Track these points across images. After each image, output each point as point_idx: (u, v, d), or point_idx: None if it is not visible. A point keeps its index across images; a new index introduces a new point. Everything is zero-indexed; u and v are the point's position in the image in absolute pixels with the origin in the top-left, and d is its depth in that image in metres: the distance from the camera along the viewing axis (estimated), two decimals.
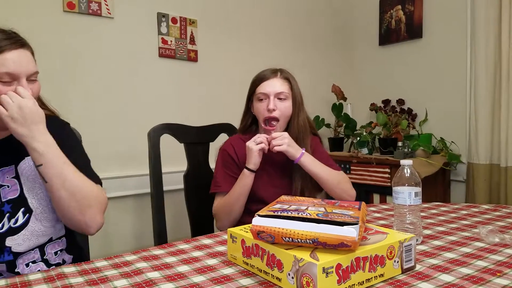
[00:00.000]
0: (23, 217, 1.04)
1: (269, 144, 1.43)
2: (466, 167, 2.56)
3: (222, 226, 1.48)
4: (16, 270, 1.04)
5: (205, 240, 1.11)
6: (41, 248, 1.08)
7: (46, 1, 1.93)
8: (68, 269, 0.89)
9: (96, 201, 1.05)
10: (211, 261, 0.93)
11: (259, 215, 0.81)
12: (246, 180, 1.43)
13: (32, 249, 1.06)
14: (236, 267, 0.89)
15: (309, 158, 1.45)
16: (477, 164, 2.45)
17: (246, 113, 1.59)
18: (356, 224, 0.75)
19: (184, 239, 1.12)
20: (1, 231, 1.01)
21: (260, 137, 1.42)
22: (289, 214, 0.80)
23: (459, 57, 2.62)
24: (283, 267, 0.77)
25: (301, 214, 0.80)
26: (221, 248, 1.03)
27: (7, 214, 1.03)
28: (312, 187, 1.51)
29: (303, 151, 1.44)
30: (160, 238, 1.58)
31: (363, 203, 0.96)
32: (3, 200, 1.03)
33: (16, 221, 1.03)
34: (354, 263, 0.75)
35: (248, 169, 1.43)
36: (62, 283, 0.81)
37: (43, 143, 0.98)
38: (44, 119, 1.01)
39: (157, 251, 1.01)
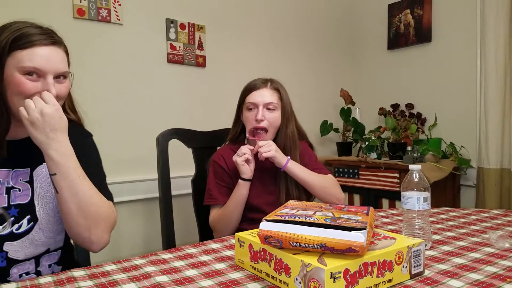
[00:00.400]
0: (27, 225, 1.03)
1: (256, 154, 1.45)
2: (476, 171, 2.53)
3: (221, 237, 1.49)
4: (8, 279, 1.01)
5: (213, 245, 1.11)
6: (37, 259, 1.06)
7: (57, 8, 1.96)
8: (78, 272, 0.90)
9: (105, 220, 1.03)
10: (219, 266, 0.94)
11: (267, 220, 0.81)
12: (241, 190, 1.46)
13: (28, 260, 1.04)
14: (243, 271, 0.89)
15: (295, 164, 1.48)
16: (487, 169, 2.43)
17: (236, 122, 1.61)
18: (364, 229, 0.74)
19: (192, 244, 1.13)
20: (1, 233, 0.99)
21: (243, 149, 1.45)
22: (297, 219, 0.80)
23: (468, 61, 2.61)
24: (290, 272, 0.77)
25: (309, 219, 0.80)
26: (229, 253, 1.04)
27: (12, 218, 1.01)
28: (300, 193, 1.53)
29: (289, 158, 1.47)
30: (169, 242, 1.59)
31: (371, 208, 0.95)
32: (12, 203, 1.01)
33: (20, 227, 1.01)
34: (362, 268, 0.75)
35: (243, 179, 1.46)
36: (72, 287, 0.82)
37: (60, 152, 0.96)
38: (66, 127, 0.98)
39: (166, 255, 1.02)
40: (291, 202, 1.04)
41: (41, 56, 0.97)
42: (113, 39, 2.13)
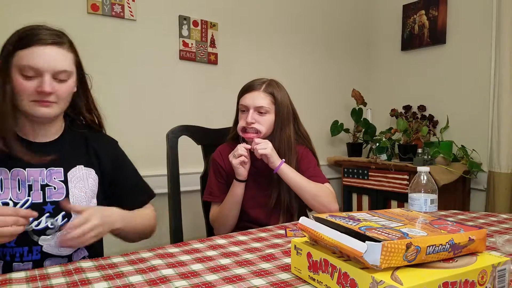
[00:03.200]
0: (62, 221, 1.07)
1: (252, 152, 1.44)
2: (487, 175, 2.50)
3: (220, 234, 1.50)
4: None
5: (219, 240, 1.12)
6: (69, 257, 1.12)
7: (71, 3, 1.99)
8: (86, 263, 0.92)
9: (151, 229, 1.28)
10: (224, 261, 0.94)
11: (314, 216, 0.82)
12: (237, 190, 1.47)
13: (62, 257, 1.09)
14: (248, 267, 0.90)
15: (289, 168, 1.45)
16: (499, 173, 2.40)
17: (236, 121, 1.59)
18: (378, 241, 0.67)
19: (199, 239, 1.14)
20: (37, 227, 1.04)
21: (239, 150, 1.43)
22: (335, 220, 0.78)
23: (483, 64, 2.58)
24: None
25: (343, 222, 0.77)
26: (234, 249, 1.04)
27: (47, 214, 1.06)
28: (290, 199, 1.50)
29: (283, 160, 1.45)
30: (176, 237, 1.60)
31: (481, 230, 0.82)
32: (47, 200, 1.07)
33: (55, 222, 1.06)
34: None
35: (237, 180, 1.47)
36: (79, 277, 0.84)
37: (119, 221, 1.08)
38: (104, 211, 1.05)
39: (172, 249, 1.03)
40: (398, 210, 0.96)
41: (37, 54, 1.00)
42: (126, 35, 2.15)
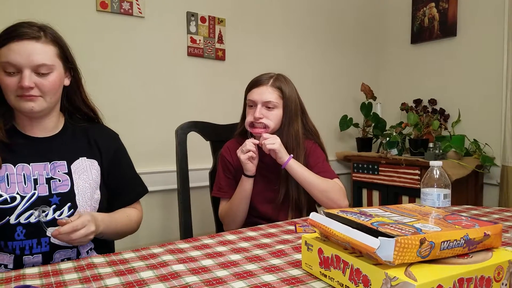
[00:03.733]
0: (68, 212, 1.10)
1: (260, 148, 1.44)
2: (500, 170, 2.47)
3: (229, 230, 1.50)
4: (51, 263, 1.08)
5: (229, 236, 1.12)
6: (78, 249, 1.14)
7: (81, 1, 1.99)
8: (98, 259, 0.93)
9: (133, 228, 1.27)
10: (235, 257, 0.94)
11: (324, 212, 0.82)
12: (245, 185, 1.47)
13: (70, 248, 1.11)
14: (258, 263, 0.90)
15: (297, 163, 1.44)
16: None
17: (244, 117, 1.58)
18: (391, 237, 0.65)
19: (209, 234, 1.14)
20: (44, 220, 1.06)
21: (247, 145, 1.43)
22: (347, 215, 0.78)
23: (495, 56, 2.53)
24: (370, 285, 0.68)
25: (354, 217, 0.76)
26: (244, 244, 1.04)
27: (54, 206, 1.08)
28: (299, 194, 1.50)
29: (291, 156, 1.44)
30: (186, 233, 1.61)
31: (497, 225, 0.80)
32: (53, 192, 1.09)
33: (61, 214, 1.09)
34: (457, 284, 0.66)
35: (246, 175, 1.46)
36: (91, 273, 0.84)
37: (102, 226, 1.09)
38: (91, 219, 1.05)
39: (183, 245, 1.03)
40: (412, 205, 0.94)
41: (14, 50, 1.01)
42: (134, 32, 2.16)
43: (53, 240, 1.07)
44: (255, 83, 1.51)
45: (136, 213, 1.29)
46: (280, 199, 1.49)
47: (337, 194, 1.46)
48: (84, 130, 1.21)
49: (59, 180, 1.11)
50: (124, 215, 1.23)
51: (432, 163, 1.10)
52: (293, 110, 1.50)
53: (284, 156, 1.43)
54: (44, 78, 1.05)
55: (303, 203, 1.51)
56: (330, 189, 1.46)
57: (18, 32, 1.02)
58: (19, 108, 1.06)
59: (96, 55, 2.04)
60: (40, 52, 1.04)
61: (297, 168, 1.43)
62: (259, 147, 1.45)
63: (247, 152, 1.43)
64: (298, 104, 1.53)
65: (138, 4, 2.14)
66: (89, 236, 1.02)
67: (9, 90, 1.04)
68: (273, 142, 1.41)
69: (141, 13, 2.16)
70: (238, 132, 1.61)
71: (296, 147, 1.49)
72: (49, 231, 1.02)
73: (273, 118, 1.48)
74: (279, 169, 1.48)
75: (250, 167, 1.44)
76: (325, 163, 1.56)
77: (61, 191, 1.10)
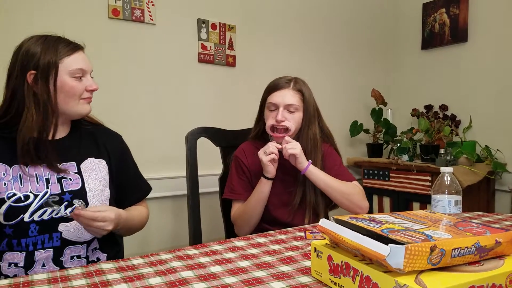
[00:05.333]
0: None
1: (280, 151, 1.44)
2: None
3: (241, 233, 1.50)
4: (61, 259, 1.12)
5: (238, 242, 1.12)
6: (88, 243, 1.17)
7: (93, 8, 2.02)
8: (106, 265, 0.93)
9: (144, 224, 1.33)
10: (244, 263, 0.94)
11: (334, 218, 0.81)
12: (264, 188, 1.46)
13: (81, 244, 1.14)
14: (267, 270, 0.89)
15: (316, 169, 1.45)
16: None
17: (259, 120, 1.59)
18: (401, 244, 0.65)
19: (218, 241, 1.14)
20: (56, 216, 1.11)
21: (270, 147, 1.43)
22: (357, 222, 0.77)
23: (506, 61, 2.51)
24: None
25: (364, 224, 0.76)
26: (253, 251, 1.04)
27: (65, 203, 1.12)
28: (316, 198, 1.50)
29: (310, 162, 1.45)
30: (195, 239, 1.61)
31: (508, 232, 0.78)
32: (65, 190, 1.13)
33: (73, 210, 1.11)
34: None
35: (266, 177, 1.45)
36: (100, 279, 0.85)
37: (120, 225, 1.16)
38: (114, 219, 1.11)
39: (192, 251, 1.03)
40: (421, 212, 0.94)
41: (81, 58, 1.16)
42: (146, 38, 2.18)
43: (64, 235, 1.12)
44: (276, 86, 1.51)
45: (146, 211, 1.35)
46: (296, 202, 1.50)
47: (358, 196, 1.48)
48: (89, 132, 1.26)
49: (70, 179, 1.15)
50: (138, 212, 1.30)
51: (443, 169, 1.09)
52: (311, 113, 1.51)
53: (303, 162, 1.43)
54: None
55: (321, 207, 1.52)
56: (351, 192, 1.47)
57: (74, 44, 1.16)
58: (81, 110, 1.17)
59: (107, 62, 2.07)
60: (89, 59, 1.20)
61: (317, 174, 1.44)
62: (279, 151, 1.46)
63: (269, 154, 1.43)
64: (315, 107, 1.54)
65: (150, 12, 2.17)
66: (102, 232, 1.10)
67: (79, 94, 1.15)
68: (294, 147, 1.42)
69: (152, 20, 2.18)
70: (254, 135, 1.61)
71: (313, 150, 1.50)
72: (77, 202, 1.12)
73: (294, 121, 1.49)
74: (295, 172, 1.48)
75: (272, 169, 1.44)
76: (342, 166, 1.58)
77: (72, 189, 1.15)
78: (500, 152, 2.51)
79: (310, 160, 1.45)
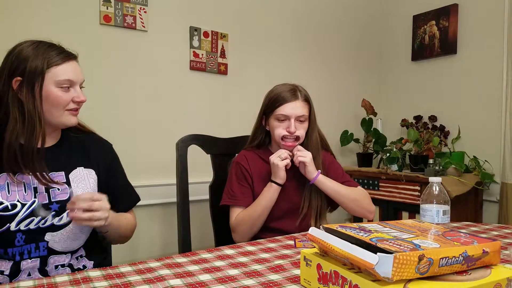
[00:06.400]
0: (67, 218, 1.12)
1: (292, 157, 1.46)
2: (499, 187, 2.46)
3: (242, 239, 1.48)
4: (46, 268, 1.11)
5: (228, 251, 1.12)
6: (72, 253, 1.16)
7: (84, 14, 2.02)
8: (94, 273, 0.92)
9: (132, 232, 1.31)
10: (233, 272, 0.94)
11: (323, 227, 0.81)
12: (273, 194, 1.46)
13: (65, 253, 1.14)
14: (256, 278, 0.89)
15: (325, 178, 1.49)
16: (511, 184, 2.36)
17: (259, 127, 1.59)
18: (390, 253, 0.65)
19: (207, 249, 1.13)
20: (43, 225, 1.10)
21: (285, 153, 1.45)
22: (346, 231, 0.78)
23: (494, 74, 2.55)
24: None
25: (353, 233, 0.76)
26: (243, 259, 1.03)
27: (53, 213, 1.11)
28: (322, 204, 1.53)
29: (319, 171, 1.48)
30: (184, 247, 1.60)
31: (495, 242, 0.80)
32: (53, 200, 1.12)
33: (60, 219, 1.12)
34: None
35: (276, 183, 1.45)
36: (87, 287, 0.84)
37: (109, 217, 1.11)
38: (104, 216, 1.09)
39: (180, 259, 1.03)
40: (411, 221, 0.94)
41: (70, 69, 1.12)
42: (137, 45, 2.18)
43: (50, 245, 1.11)
44: (285, 98, 1.49)
45: (133, 220, 1.33)
46: (303, 211, 1.51)
47: (366, 200, 1.54)
48: (79, 141, 1.24)
49: (58, 189, 1.14)
50: (124, 218, 1.27)
51: (431, 179, 1.10)
52: (314, 119, 1.55)
53: (313, 171, 1.46)
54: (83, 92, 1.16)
55: (324, 213, 1.55)
56: (359, 197, 1.52)
57: (66, 53, 1.12)
58: (66, 121, 1.14)
59: (99, 68, 2.06)
60: (80, 70, 1.16)
61: (326, 182, 1.47)
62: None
63: (285, 159, 1.44)
64: (315, 114, 1.57)
65: (142, 18, 2.17)
66: (104, 212, 1.06)
67: (65, 105, 1.11)
68: (305, 155, 1.45)
69: (144, 27, 2.18)
70: (255, 144, 1.60)
71: (316, 155, 1.53)
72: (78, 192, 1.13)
73: (304, 130, 1.51)
74: (301, 179, 1.50)
75: (284, 175, 1.45)
76: (345, 173, 1.62)
77: (60, 199, 1.13)
78: (488, 163, 2.54)
79: (319, 170, 1.48)
